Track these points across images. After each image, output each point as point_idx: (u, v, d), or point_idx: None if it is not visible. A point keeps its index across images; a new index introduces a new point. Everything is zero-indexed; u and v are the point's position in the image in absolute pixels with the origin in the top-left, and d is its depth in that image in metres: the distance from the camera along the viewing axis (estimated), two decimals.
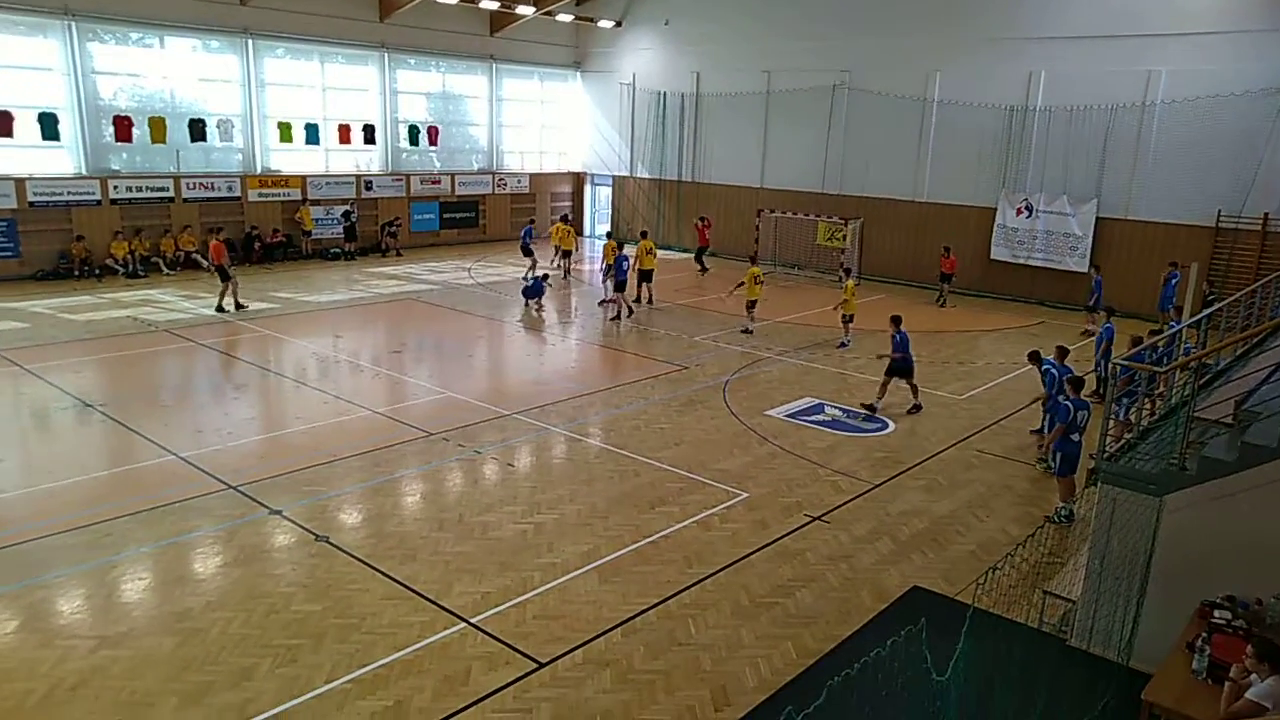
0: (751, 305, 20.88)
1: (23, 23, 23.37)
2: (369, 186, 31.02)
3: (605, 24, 35.09)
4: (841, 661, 7.64)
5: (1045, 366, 13.18)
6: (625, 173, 36.50)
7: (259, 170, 28.28)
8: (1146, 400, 10.19)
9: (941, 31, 26.94)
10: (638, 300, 23.70)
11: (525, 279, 25.46)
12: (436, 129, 32.89)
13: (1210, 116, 22.69)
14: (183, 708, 7.11)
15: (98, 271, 24.61)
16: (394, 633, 8.21)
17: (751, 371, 17.82)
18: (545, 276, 23.92)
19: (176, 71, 26.26)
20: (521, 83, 35.79)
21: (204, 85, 26.91)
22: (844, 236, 28.61)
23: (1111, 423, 9.27)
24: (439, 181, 33.24)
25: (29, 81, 23.68)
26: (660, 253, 28.72)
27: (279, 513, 10.64)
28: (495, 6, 31.65)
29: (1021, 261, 26.22)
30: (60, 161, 24.56)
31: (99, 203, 24.89)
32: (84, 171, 24.76)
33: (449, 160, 34.02)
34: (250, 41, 27.36)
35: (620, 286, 22.06)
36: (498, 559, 9.72)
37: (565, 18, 34.24)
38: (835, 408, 15.62)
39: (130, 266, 25.06)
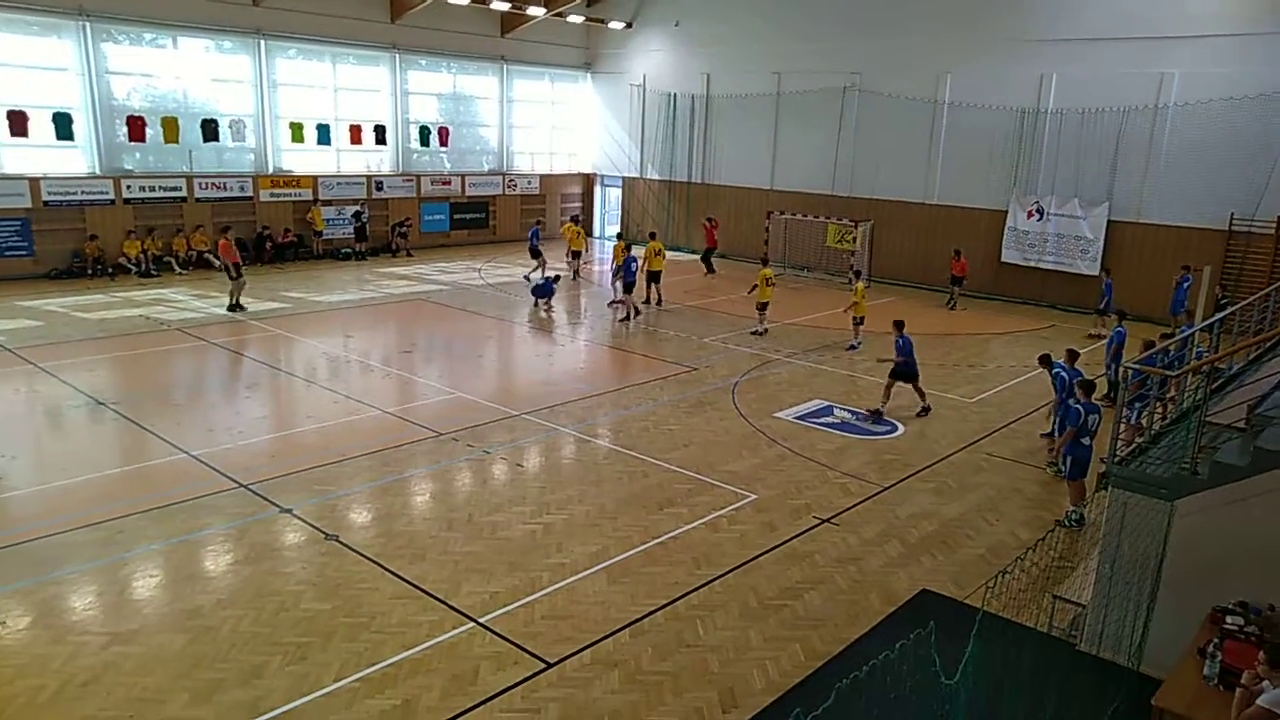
0: (763, 307, 20.86)
1: (38, 23, 23.54)
2: (380, 187, 31.12)
3: (616, 25, 35.13)
4: (850, 664, 7.63)
5: (1056, 370, 13.13)
6: (635, 174, 36.52)
7: (271, 170, 28.41)
8: (1158, 404, 10.14)
9: (953, 33, 26.88)
10: (646, 301, 23.72)
11: (527, 279, 25.68)
12: (447, 130, 32.98)
13: (1223, 119, 22.57)
14: (193, 705, 7.15)
15: (111, 271, 24.75)
16: (403, 632, 8.24)
17: (761, 373, 17.81)
18: (556, 278, 23.95)
19: (189, 72, 26.40)
20: (532, 84, 35.86)
21: (217, 85, 27.05)
22: (854, 239, 28.56)
23: (1123, 426, 9.23)
24: (449, 182, 33.32)
25: (44, 82, 23.84)
26: (670, 254, 28.75)
27: (289, 511, 10.69)
28: (506, 8, 31.72)
29: (1032, 264, 26.13)
30: (74, 161, 24.72)
31: (112, 202, 25.04)
32: (97, 171, 24.91)
33: (459, 161, 34.10)
34: (263, 42, 27.48)
35: (629, 288, 22.09)
36: (507, 559, 9.74)
37: (576, 19, 34.29)
38: (844, 410, 15.59)
39: (143, 266, 25.20)
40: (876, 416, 15.05)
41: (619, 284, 22.59)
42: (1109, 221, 24.69)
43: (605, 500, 11.39)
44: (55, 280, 23.90)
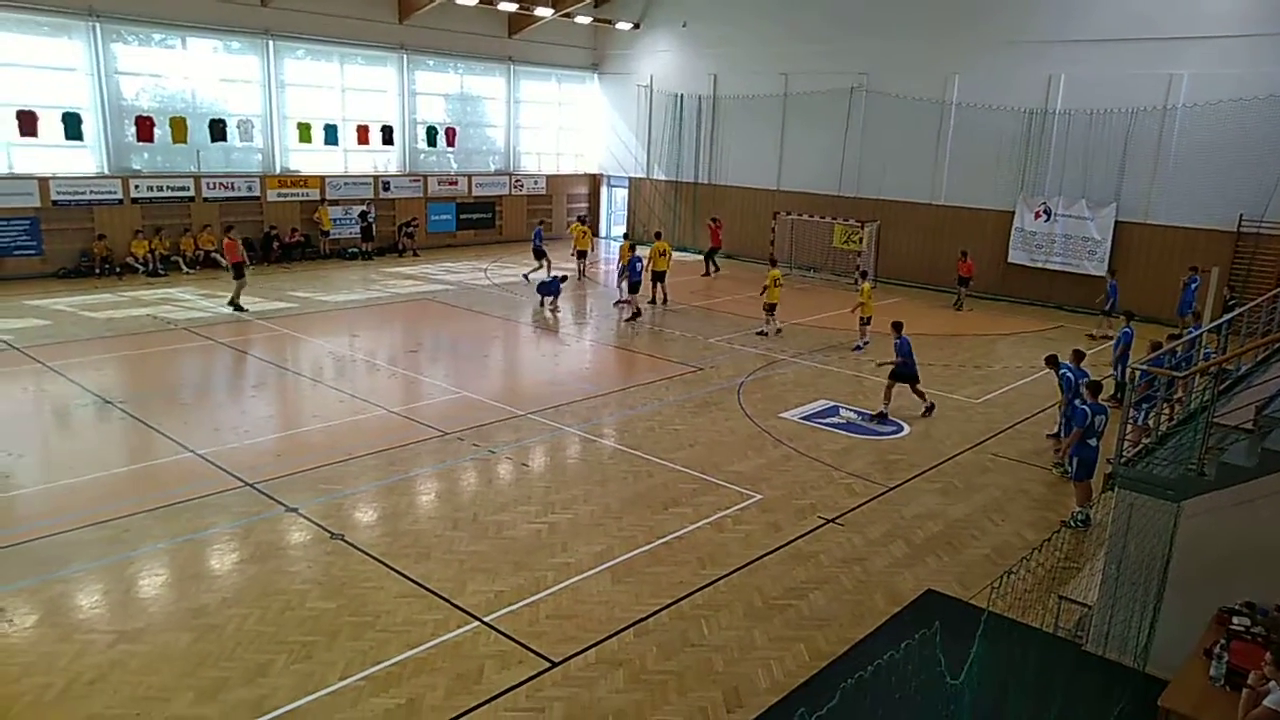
0: (771, 309, 20.80)
1: (48, 24, 23.65)
2: (386, 187, 31.18)
3: (623, 26, 35.15)
4: (854, 664, 7.61)
5: (1062, 371, 13.10)
6: (642, 174, 36.53)
7: (278, 170, 28.48)
8: (1165, 405, 10.11)
9: (960, 34, 26.83)
10: (652, 301, 23.73)
11: (526, 278, 25.77)
12: (454, 130, 33.03)
13: (1232, 120, 22.49)
14: (198, 703, 7.17)
15: (118, 270, 24.84)
16: (408, 631, 8.25)
17: (766, 373, 17.80)
18: (564, 277, 23.96)
19: (198, 72, 26.50)
20: (539, 84, 35.89)
21: (225, 86, 27.14)
22: (860, 239, 28.53)
23: (1129, 427, 9.20)
24: (456, 182, 33.37)
25: (53, 82, 23.95)
26: (676, 254, 28.79)
27: (295, 510, 10.71)
28: (514, 8, 31.76)
29: (1040, 265, 26.07)
30: (83, 161, 24.82)
31: (120, 202, 25.13)
32: (106, 171, 25.01)
33: (466, 161, 34.15)
34: (271, 42, 27.56)
35: (634, 288, 22.09)
36: (511, 558, 9.74)
37: (583, 20, 34.32)
38: (850, 410, 15.57)
39: (150, 265, 25.29)
40: (881, 418, 15.02)
41: (624, 284, 22.59)
42: (1117, 222, 24.62)
43: (610, 500, 11.39)
44: (63, 279, 24.00)
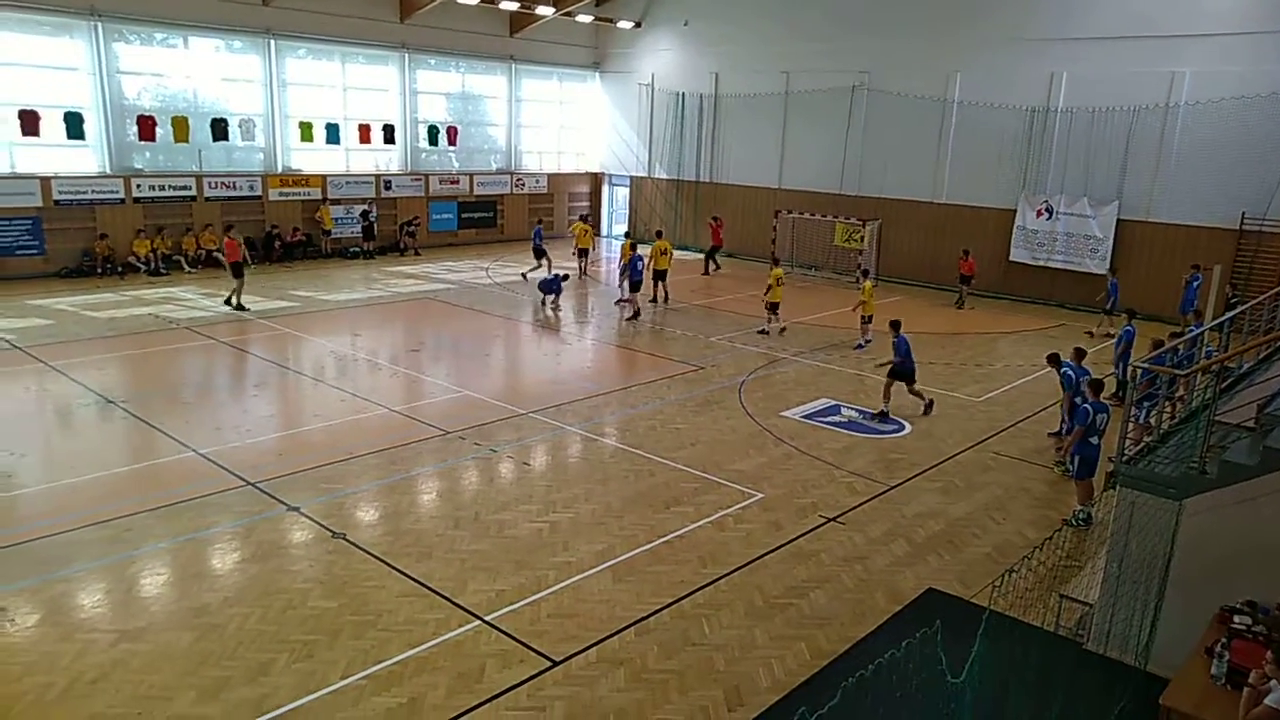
0: (774, 308, 20.76)
1: (50, 23, 23.67)
2: (388, 186, 31.19)
3: (624, 25, 35.13)
4: (856, 663, 7.61)
5: (1064, 369, 13.09)
6: (643, 173, 36.53)
7: (280, 169, 28.50)
8: (1167, 403, 10.09)
9: (962, 32, 26.80)
10: (653, 300, 23.73)
11: (524, 276, 25.95)
12: (455, 129, 33.03)
13: (1235, 118, 22.46)
14: (200, 702, 7.18)
15: (120, 269, 24.86)
16: (409, 630, 8.26)
17: (768, 372, 17.79)
18: (565, 276, 23.95)
19: (199, 71, 26.52)
20: (540, 83, 35.89)
21: (226, 85, 27.16)
22: (862, 238, 28.51)
23: (1131, 426, 9.20)
24: (457, 181, 33.38)
25: (55, 81, 23.97)
26: (677, 253, 28.79)
27: (296, 509, 10.72)
28: (515, 7, 31.75)
29: (1041, 263, 26.05)
30: (85, 160, 24.85)
31: (122, 201, 25.16)
32: (108, 170, 25.03)
33: (468, 160, 34.16)
34: (272, 42, 27.58)
35: (636, 286, 22.09)
36: (513, 557, 9.75)
37: (585, 18, 34.30)
38: (851, 409, 15.57)
39: (152, 264, 25.31)
40: (882, 417, 15.02)
41: (625, 283, 22.59)
42: (1118, 220, 24.59)
43: (611, 499, 11.40)
44: (65, 279, 24.03)
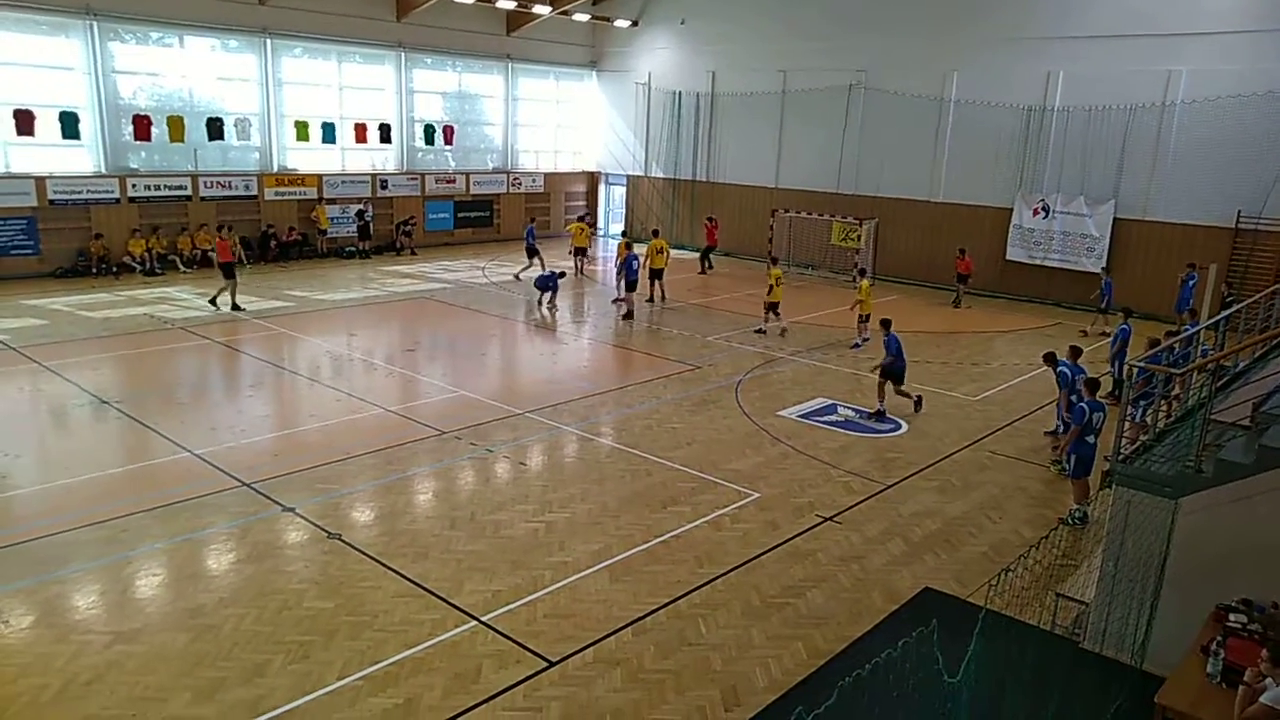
0: (773, 307, 20.72)
1: (45, 22, 23.60)
2: (384, 185, 31.15)
3: (621, 24, 35.11)
4: (852, 662, 7.62)
5: (1060, 368, 13.09)
6: (640, 172, 36.51)
7: (276, 169, 28.45)
8: (1163, 402, 10.10)
9: (959, 31, 26.81)
10: (650, 299, 23.72)
11: (517, 277, 25.98)
12: (452, 128, 32.98)
13: (1231, 117, 22.48)
14: (195, 703, 7.16)
15: (115, 269, 24.81)
16: (405, 630, 8.24)
17: (764, 371, 17.79)
18: (561, 273, 23.88)
19: (195, 71, 26.45)
20: (537, 82, 35.86)
21: (222, 84, 27.10)
22: (859, 237, 28.52)
23: (1127, 424, 9.20)
24: (454, 181, 33.35)
25: (50, 81, 23.90)
26: (674, 252, 28.78)
27: (292, 510, 10.70)
28: (512, 6, 31.72)
29: (1038, 262, 26.07)
30: (80, 160, 24.79)
31: (118, 201, 25.10)
32: (103, 170, 24.98)
33: (464, 159, 34.12)
34: (268, 41, 27.53)
35: (631, 286, 22.07)
36: (509, 557, 9.74)
37: (582, 17, 34.27)
38: (848, 408, 15.57)
39: (148, 264, 25.26)
40: (879, 416, 15.02)
41: (622, 282, 22.57)
42: (1115, 219, 24.61)
43: (608, 499, 11.39)
44: (60, 279, 23.97)
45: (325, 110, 29.39)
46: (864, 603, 9.14)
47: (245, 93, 27.61)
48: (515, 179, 35.33)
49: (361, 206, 30.04)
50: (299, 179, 28.94)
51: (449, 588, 9.03)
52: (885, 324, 15.68)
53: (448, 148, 33.20)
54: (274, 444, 12.98)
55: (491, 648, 8.04)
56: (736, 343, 19.96)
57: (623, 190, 37.56)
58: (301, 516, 10.54)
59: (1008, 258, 26.56)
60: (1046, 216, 25.72)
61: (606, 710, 7.26)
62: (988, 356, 20.00)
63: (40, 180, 23.82)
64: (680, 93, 34.14)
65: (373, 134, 30.51)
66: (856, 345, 19.85)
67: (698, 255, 30.35)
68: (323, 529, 10.22)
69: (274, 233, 28.04)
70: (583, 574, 9.44)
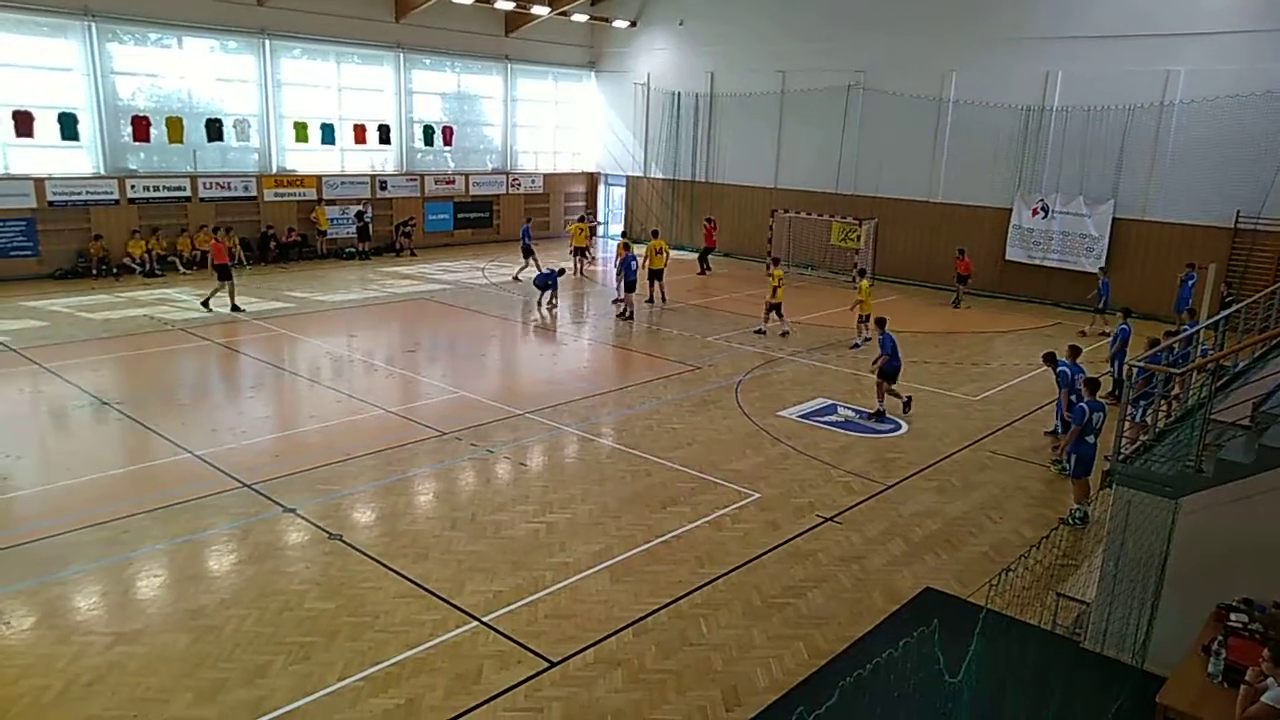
0: (777, 308, 20.69)
1: (44, 24, 23.60)
2: (384, 186, 31.15)
3: (620, 24, 35.12)
4: (853, 662, 7.62)
5: (1060, 367, 13.10)
6: (639, 173, 36.52)
7: (275, 170, 28.45)
8: (1163, 402, 10.11)
9: (957, 32, 26.83)
10: (650, 300, 23.73)
11: (516, 279, 25.97)
12: (451, 129, 32.99)
13: (1230, 116, 22.50)
14: (197, 704, 7.16)
15: (115, 270, 24.81)
16: (406, 631, 8.25)
17: (764, 372, 17.80)
18: (561, 270, 23.82)
19: (194, 72, 26.45)
20: (536, 83, 35.87)
21: (221, 85, 27.10)
22: (858, 237, 28.53)
23: (1127, 424, 9.21)
24: (453, 181, 33.35)
25: (49, 82, 23.90)
26: (674, 253, 28.78)
27: (293, 511, 10.70)
28: (510, 7, 31.73)
29: (1037, 262, 26.09)
30: (79, 161, 24.78)
31: (117, 202, 25.09)
32: (102, 171, 24.97)
33: (463, 160, 34.13)
34: (267, 42, 27.52)
35: (630, 286, 22.07)
36: (510, 558, 9.74)
37: (580, 18, 34.28)
38: (848, 408, 15.57)
39: (147, 265, 25.25)
40: (879, 416, 15.02)
41: (621, 283, 22.57)
42: (1114, 219, 24.63)
43: (608, 499, 11.39)
44: (60, 280, 23.96)
45: (324, 111, 29.39)
46: (865, 603, 9.14)
47: (244, 94, 27.61)
48: (514, 180, 35.33)
49: (361, 207, 30.04)
50: (298, 180, 28.94)
51: (450, 588, 9.03)
52: (880, 322, 15.70)
53: (447, 149, 33.21)
54: (275, 445, 12.98)
55: (492, 648, 8.04)
56: (736, 343, 19.97)
57: (622, 191, 37.57)
58: (302, 517, 10.55)
59: (1007, 258, 26.57)
60: (1046, 216, 25.74)
61: (608, 710, 7.26)
62: (987, 356, 20.02)
63: (39, 181, 23.82)
64: (679, 93, 34.16)
65: (372, 135, 30.51)
66: (856, 345, 19.86)
67: (696, 256, 30.34)
68: (324, 530, 10.22)
69: (273, 234, 28.04)
70: (584, 574, 9.44)
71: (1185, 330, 13.34)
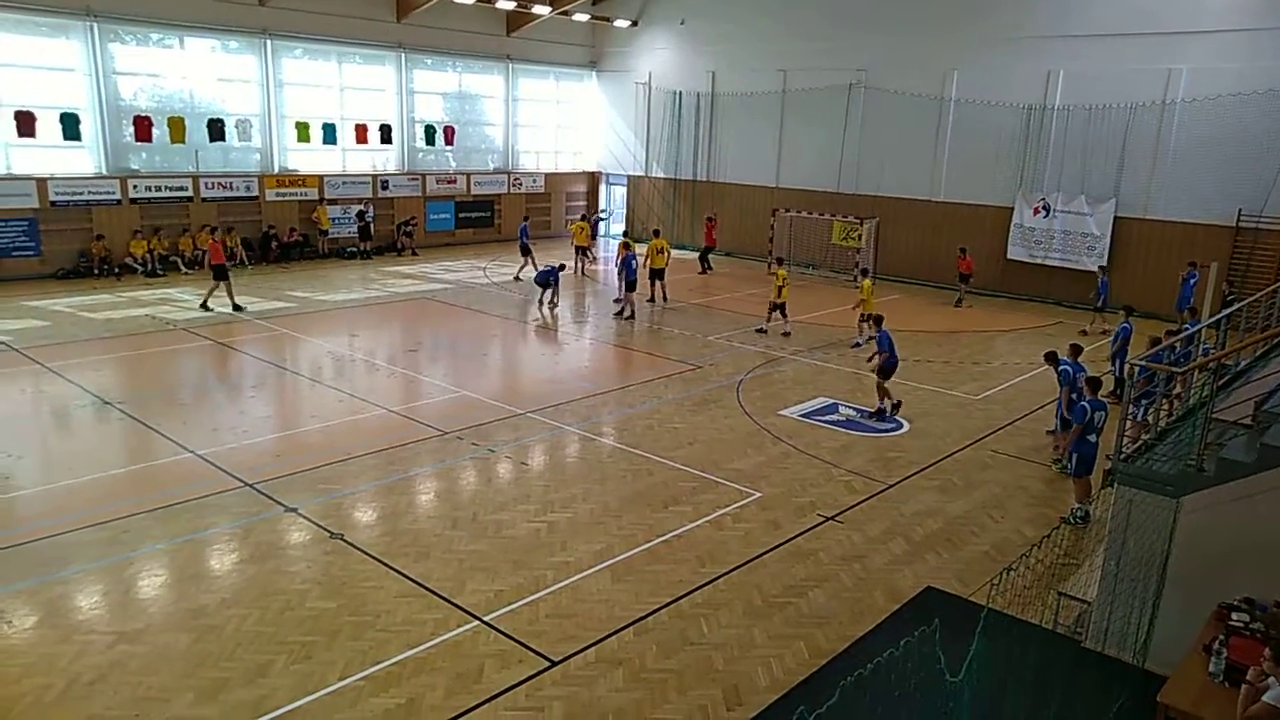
0: (781, 308, 20.65)
1: (46, 24, 23.62)
2: (385, 186, 31.16)
3: (621, 24, 35.11)
4: (854, 662, 7.61)
5: (1061, 366, 13.09)
6: (640, 172, 36.53)
7: (276, 170, 28.47)
8: (1164, 401, 10.10)
9: (959, 30, 26.81)
10: (651, 299, 23.72)
11: (517, 278, 26.00)
12: (452, 129, 33.00)
13: (1232, 115, 22.47)
14: (198, 704, 7.17)
15: (117, 270, 24.83)
16: (407, 630, 8.25)
17: (765, 371, 17.79)
18: (561, 266, 23.78)
19: (196, 72, 26.47)
20: (537, 82, 35.87)
21: (223, 85, 27.12)
22: (859, 236, 28.52)
23: (1128, 423, 9.20)
24: (454, 181, 33.36)
25: (51, 82, 23.93)
26: (675, 252, 28.78)
27: (294, 510, 10.71)
28: (512, 6, 31.73)
29: (1039, 261, 26.06)
30: (81, 161, 24.80)
31: (119, 202, 25.12)
32: (104, 171, 24.99)
33: (465, 160, 34.14)
34: (269, 42, 27.54)
35: (631, 286, 22.06)
36: (511, 557, 9.74)
37: (581, 17, 34.28)
38: (849, 408, 15.57)
39: (149, 265, 25.27)
40: (880, 415, 15.02)
41: (622, 282, 22.56)
42: (1115, 218, 24.61)
43: (609, 498, 11.39)
44: (62, 280, 23.98)
45: (326, 111, 29.41)
46: (866, 602, 9.14)
47: (246, 94, 27.62)
48: (516, 179, 35.34)
49: (362, 207, 30.05)
50: (300, 180, 28.96)
51: (451, 588, 9.04)
52: (877, 320, 15.70)
53: (448, 148, 33.21)
54: (276, 445, 12.99)
55: (494, 647, 8.05)
56: (738, 342, 19.97)
57: (623, 190, 37.57)
58: (304, 517, 10.55)
59: (1009, 257, 26.55)
60: (1047, 215, 25.72)
61: (609, 710, 7.26)
62: (989, 355, 20.00)
63: (41, 181, 23.84)
64: (680, 93, 34.15)
65: (373, 135, 30.53)
66: (858, 344, 19.85)
67: (697, 256, 30.33)
68: (325, 529, 10.23)
69: (275, 233, 28.05)
70: (585, 574, 9.45)
71: (1187, 329, 13.34)
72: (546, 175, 36.61)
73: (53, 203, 24.02)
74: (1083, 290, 24.57)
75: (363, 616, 8.46)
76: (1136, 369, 9.36)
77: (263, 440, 13.09)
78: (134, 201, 25.37)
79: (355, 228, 29.85)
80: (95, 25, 24.11)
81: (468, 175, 33.76)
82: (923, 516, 11.28)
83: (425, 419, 14.14)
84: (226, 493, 11.12)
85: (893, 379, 15.42)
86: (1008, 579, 7.21)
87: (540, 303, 22.88)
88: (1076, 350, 13.45)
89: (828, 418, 15.01)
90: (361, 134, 30.20)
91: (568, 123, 37.38)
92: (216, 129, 26.70)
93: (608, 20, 35.14)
